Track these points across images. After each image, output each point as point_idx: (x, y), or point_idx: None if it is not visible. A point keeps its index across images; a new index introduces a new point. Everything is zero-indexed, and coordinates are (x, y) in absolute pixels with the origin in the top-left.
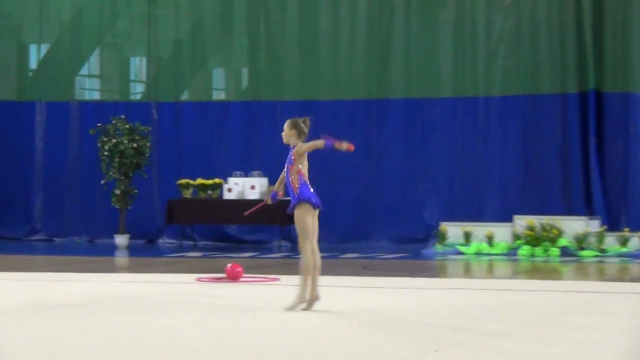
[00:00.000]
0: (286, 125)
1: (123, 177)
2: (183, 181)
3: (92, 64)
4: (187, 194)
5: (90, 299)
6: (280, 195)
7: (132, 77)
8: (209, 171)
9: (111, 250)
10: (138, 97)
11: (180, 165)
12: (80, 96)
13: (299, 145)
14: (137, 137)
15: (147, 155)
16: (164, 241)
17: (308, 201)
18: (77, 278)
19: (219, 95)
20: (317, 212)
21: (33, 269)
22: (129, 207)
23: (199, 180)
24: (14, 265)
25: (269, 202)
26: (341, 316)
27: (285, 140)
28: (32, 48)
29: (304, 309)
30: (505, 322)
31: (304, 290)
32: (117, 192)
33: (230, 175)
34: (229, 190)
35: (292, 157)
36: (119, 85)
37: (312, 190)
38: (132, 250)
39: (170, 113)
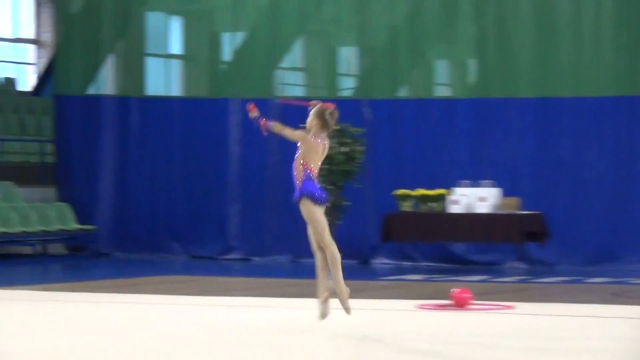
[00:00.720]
0: (311, 113)
1: (332, 187)
2: (401, 192)
3: (294, 55)
4: (406, 206)
5: (295, 328)
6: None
7: (340, 70)
8: (432, 180)
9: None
10: (348, 93)
11: (397, 173)
12: (280, 92)
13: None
14: (347, 141)
15: (359, 161)
16: (379, 261)
17: (310, 197)
18: (279, 304)
19: (442, 92)
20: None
21: (228, 293)
22: (339, 222)
23: (420, 191)
24: (208, 288)
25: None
26: (590, 352)
27: (307, 128)
28: (226, 37)
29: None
30: None
31: (340, 286)
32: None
33: (456, 185)
34: (455, 202)
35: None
36: (325, 80)
37: (317, 185)
38: (343, 272)
39: (385, 112)
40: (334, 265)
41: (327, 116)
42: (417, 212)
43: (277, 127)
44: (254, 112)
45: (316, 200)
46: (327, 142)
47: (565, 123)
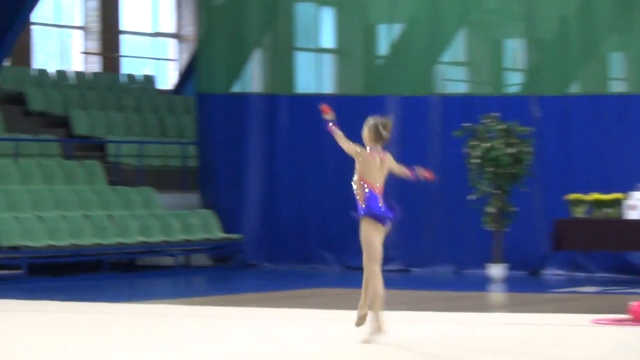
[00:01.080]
0: (364, 127)
1: (498, 191)
2: (573, 196)
3: (456, 48)
4: (579, 212)
5: (453, 344)
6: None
7: (506, 64)
8: (607, 184)
9: (483, 283)
10: (515, 89)
11: (569, 176)
12: (441, 89)
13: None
14: (514, 141)
15: (527, 163)
16: (549, 272)
17: (372, 215)
18: (439, 318)
19: (617, 87)
20: (384, 230)
21: (386, 307)
22: (506, 229)
23: (594, 196)
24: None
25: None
26: None
27: (364, 140)
28: (382, 29)
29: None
30: None
31: (376, 323)
32: (491, 210)
33: (634, 189)
34: (633, 207)
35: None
36: (490, 75)
37: (381, 204)
38: (510, 284)
39: (555, 110)
40: (374, 300)
41: (380, 127)
42: (591, 219)
43: (338, 135)
44: (329, 115)
45: (379, 219)
46: (384, 155)
47: None
